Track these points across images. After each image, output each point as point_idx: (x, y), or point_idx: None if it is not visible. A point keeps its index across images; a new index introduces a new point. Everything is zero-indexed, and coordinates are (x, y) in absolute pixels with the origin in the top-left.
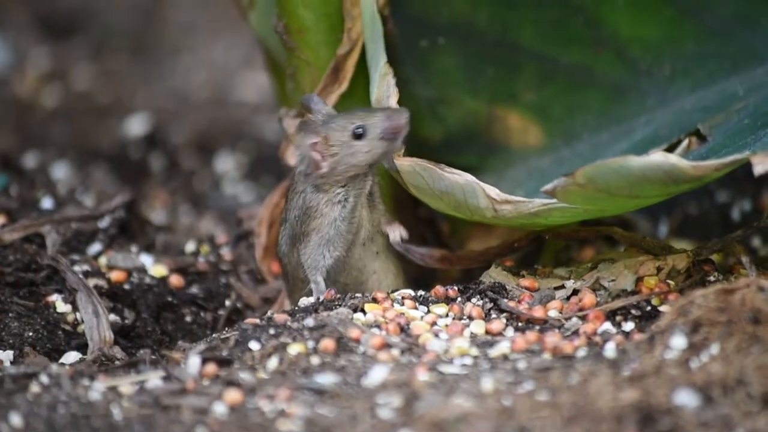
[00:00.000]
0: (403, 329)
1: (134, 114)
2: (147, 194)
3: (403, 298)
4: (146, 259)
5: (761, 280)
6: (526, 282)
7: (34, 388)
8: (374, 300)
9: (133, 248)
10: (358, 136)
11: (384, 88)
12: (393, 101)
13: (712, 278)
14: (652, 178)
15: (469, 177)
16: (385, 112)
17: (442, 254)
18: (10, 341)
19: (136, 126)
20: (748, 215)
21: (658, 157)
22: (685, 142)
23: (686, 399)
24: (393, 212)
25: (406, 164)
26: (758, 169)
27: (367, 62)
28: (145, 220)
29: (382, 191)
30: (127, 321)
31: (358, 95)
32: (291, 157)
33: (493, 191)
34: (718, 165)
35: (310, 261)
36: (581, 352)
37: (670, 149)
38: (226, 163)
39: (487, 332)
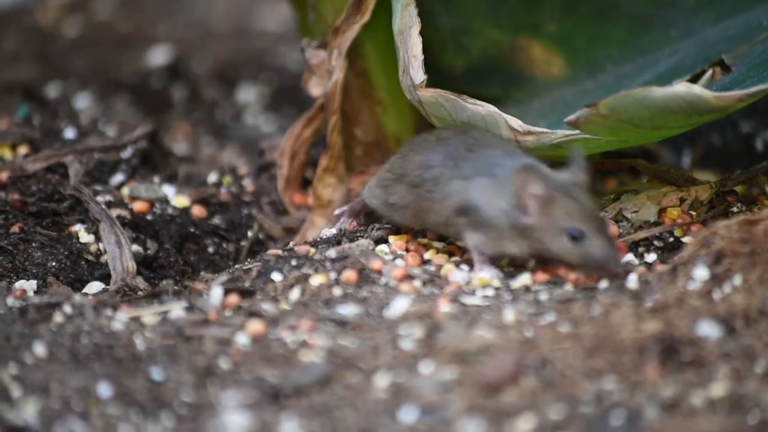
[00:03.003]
0: (426, 261)
1: (156, 44)
2: (169, 125)
3: (424, 229)
4: (168, 190)
5: None
6: None
7: (58, 317)
8: (398, 231)
9: (156, 179)
10: (572, 237)
11: (406, 18)
12: (415, 31)
13: (735, 209)
14: (674, 109)
15: (491, 108)
16: (610, 242)
17: None
18: (34, 271)
19: (158, 56)
20: None
21: (681, 87)
22: (709, 73)
23: (708, 330)
24: None
25: (428, 95)
26: None
27: None
28: (168, 150)
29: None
30: (149, 251)
31: (380, 26)
32: (313, 88)
33: (516, 122)
34: (742, 95)
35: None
36: (603, 284)
37: (694, 80)
38: (248, 94)
39: (509, 264)
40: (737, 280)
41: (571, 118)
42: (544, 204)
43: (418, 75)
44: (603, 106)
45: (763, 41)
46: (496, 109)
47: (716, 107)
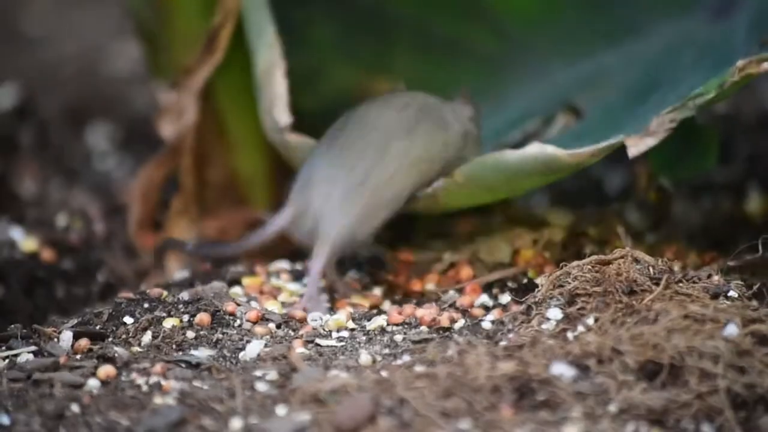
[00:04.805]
0: (281, 302)
1: (2, 86)
2: (17, 168)
3: (279, 272)
4: (16, 234)
5: (636, 251)
6: (403, 255)
7: None
8: (252, 273)
9: (3, 222)
10: None
11: (271, 58)
12: (279, 72)
13: (587, 250)
14: (529, 171)
15: None
16: None
17: None
18: None
19: (5, 98)
20: (623, 188)
21: (533, 148)
22: (561, 119)
23: (562, 370)
24: (268, 186)
25: (298, 141)
26: (632, 152)
27: (246, 32)
28: (15, 194)
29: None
30: None
31: (232, 66)
32: (165, 129)
33: None
34: (594, 151)
35: None
36: (458, 324)
37: (546, 123)
38: (99, 136)
39: (364, 305)
40: (590, 319)
41: (427, 191)
42: None
43: (284, 117)
44: (458, 174)
45: (614, 86)
46: None
47: (570, 164)
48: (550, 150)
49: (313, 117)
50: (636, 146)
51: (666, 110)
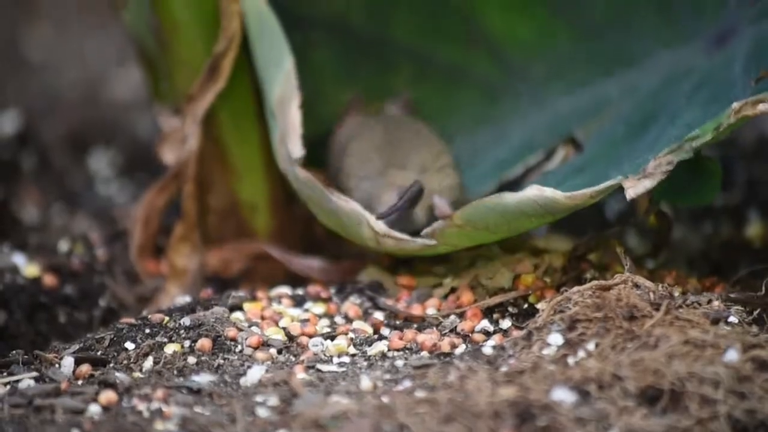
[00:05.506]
0: (282, 328)
1: (4, 111)
2: (18, 193)
3: (280, 297)
4: (18, 259)
5: (636, 276)
6: (404, 280)
7: None
8: (254, 299)
9: (5, 248)
10: None
11: (288, 89)
12: (295, 104)
13: (588, 275)
14: (528, 212)
15: (354, 205)
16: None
17: (322, 266)
18: None
19: (7, 124)
20: (623, 213)
21: (532, 191)
22: (562, 152)
23: (563, 395)
24: (270, 212)
25: (303, 176)
26: (630, 194)
27: (256, 60)
28: (17, 219)
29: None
30: None
31: (235, 92)
32: (167, 155)
33: (378, 225)
34: (592, 193)
35: None
36: (459, 350)
37: (548, 156)
38: (100, 162)
39: (365, 331)
40: (591, 345)
41: (427, 230)
42: None
43: (296, 149)
44: (457, 217)
45: (613, 117)
46: (360, 207)
47: (569, 207)
48: (549, 193)
49: (311, 140)
50: (633, 188)
51: (663, 152)
